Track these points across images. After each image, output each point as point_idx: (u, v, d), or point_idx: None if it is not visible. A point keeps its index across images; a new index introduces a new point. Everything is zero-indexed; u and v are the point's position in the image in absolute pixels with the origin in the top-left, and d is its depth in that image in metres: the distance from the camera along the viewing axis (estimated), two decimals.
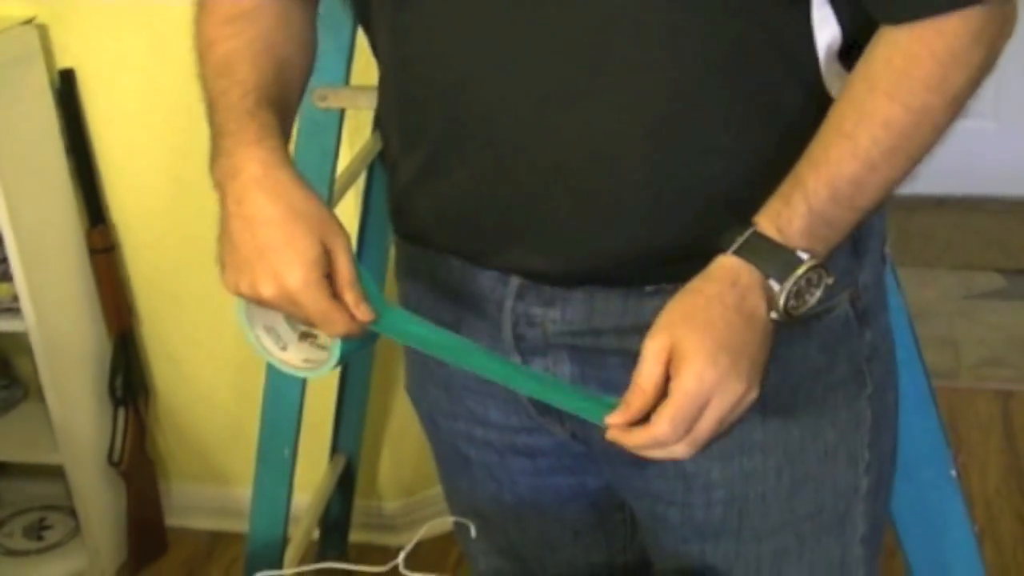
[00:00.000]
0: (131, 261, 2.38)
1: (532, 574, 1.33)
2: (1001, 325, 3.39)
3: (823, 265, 0.96)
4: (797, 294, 0.96)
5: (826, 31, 0.98)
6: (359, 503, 2.49)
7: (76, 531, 2.53)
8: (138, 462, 2.48)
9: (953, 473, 1.68)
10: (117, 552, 2.53)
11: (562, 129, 0.99)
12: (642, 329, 0.99)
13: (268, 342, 1.05)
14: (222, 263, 1.00)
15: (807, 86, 1.00)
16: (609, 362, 1.07)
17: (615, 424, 0.95)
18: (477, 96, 1.02)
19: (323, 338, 1.04)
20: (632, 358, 1.03)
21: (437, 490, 2.46)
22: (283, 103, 1.05)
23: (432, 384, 1.23)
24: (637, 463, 1.11)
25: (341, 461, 2.32)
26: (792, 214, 0.96)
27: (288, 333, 1.06)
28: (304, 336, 1.06)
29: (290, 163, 1.00)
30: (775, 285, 0.95)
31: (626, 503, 1.26)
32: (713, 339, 0.93)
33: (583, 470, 1.22)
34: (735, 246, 0.96)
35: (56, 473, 2.42)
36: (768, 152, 1.00)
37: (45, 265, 2.24)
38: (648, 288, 1.05)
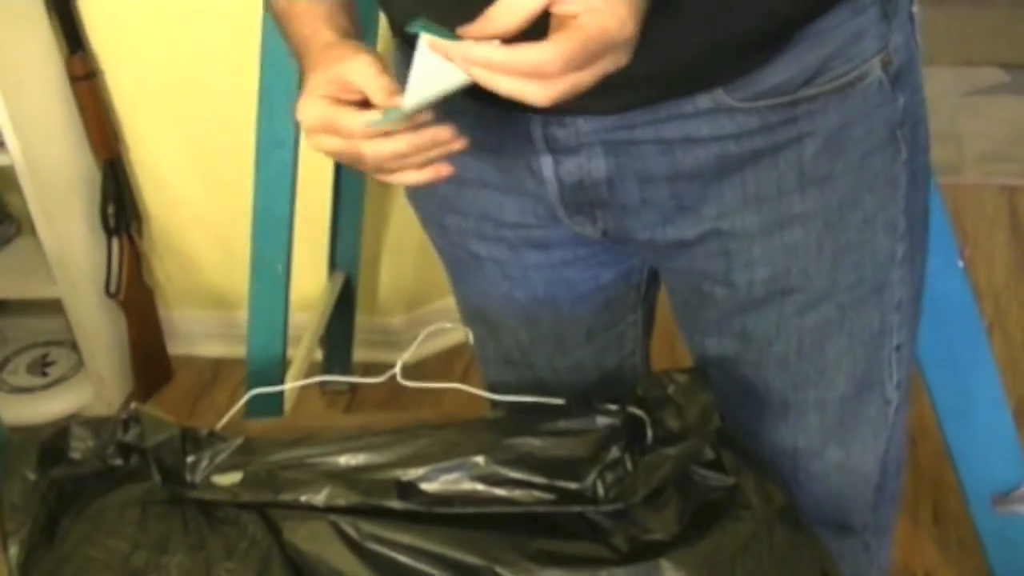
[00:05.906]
0: (114, 87, 2.32)
1: (542, 383, 1.31)
2: (1005, 120, 3.36)
3: None
4: None
5: None
6: (362, 320, 2.49)
7: (80, 364, 2.54)
8: (136, 291, 2.48)
9: (960, 264, 1.66)
10: (122, 383, 2.54)
11: None
12: (675, 118, 0.95)
13: None
14: None
15: None
16: (645, 150, 1.03)
17: (470, 35, 0.83)
18: None
19: None
20: (668, 145, 1.01)
21: (439, 304, 2.49)
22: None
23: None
24: (683, 245, 1.10)
25: (340, 278, 2.32)
26: None
27: None
28: None
29: None
30: None
31: (639, 304, 1.26)
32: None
33: (598, 263, 1.20)
34: None
35: (56, 308, 2.42)
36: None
37: (26, 96, 2.19)
38: None
